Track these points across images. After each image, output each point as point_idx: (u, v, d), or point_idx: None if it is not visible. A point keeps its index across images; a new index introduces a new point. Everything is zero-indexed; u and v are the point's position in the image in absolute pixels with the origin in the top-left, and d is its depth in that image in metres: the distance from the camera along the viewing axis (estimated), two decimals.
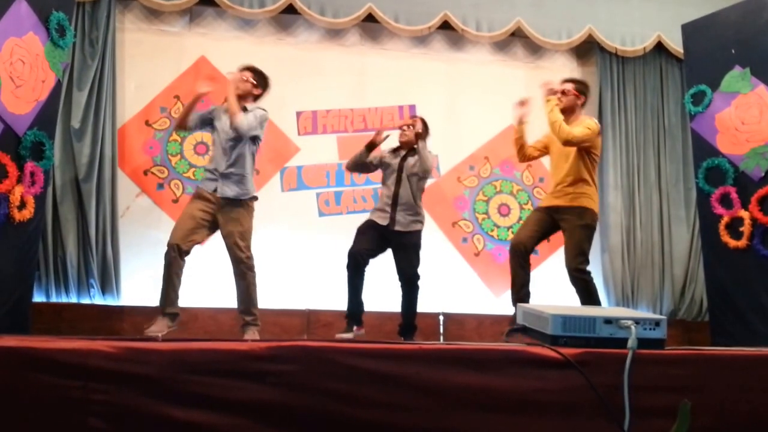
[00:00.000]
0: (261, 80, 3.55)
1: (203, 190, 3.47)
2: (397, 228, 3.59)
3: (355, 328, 3.62)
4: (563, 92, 3.44)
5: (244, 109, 3.45)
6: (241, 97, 3.47)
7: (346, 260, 3.59)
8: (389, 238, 3.60)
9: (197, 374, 1.47)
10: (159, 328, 3.31)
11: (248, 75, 3.52)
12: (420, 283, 3.64)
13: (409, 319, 3.63)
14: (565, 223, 3.43)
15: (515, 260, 3.45)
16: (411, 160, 3.68)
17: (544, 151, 3.65)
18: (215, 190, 3.42)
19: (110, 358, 1.44)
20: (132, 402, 1.43)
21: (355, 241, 3.59)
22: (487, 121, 5.22)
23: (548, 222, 3.49)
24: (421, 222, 3.70)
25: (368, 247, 3.55)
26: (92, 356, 1.43)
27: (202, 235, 3.44)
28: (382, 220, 3.62)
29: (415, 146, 3.66)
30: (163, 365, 1.46)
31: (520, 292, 3.42)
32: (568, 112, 3.42)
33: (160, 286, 3.37)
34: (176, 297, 3.35)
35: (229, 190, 3.40)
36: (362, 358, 1.56)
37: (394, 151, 3.78)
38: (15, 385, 1.39)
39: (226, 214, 3.41)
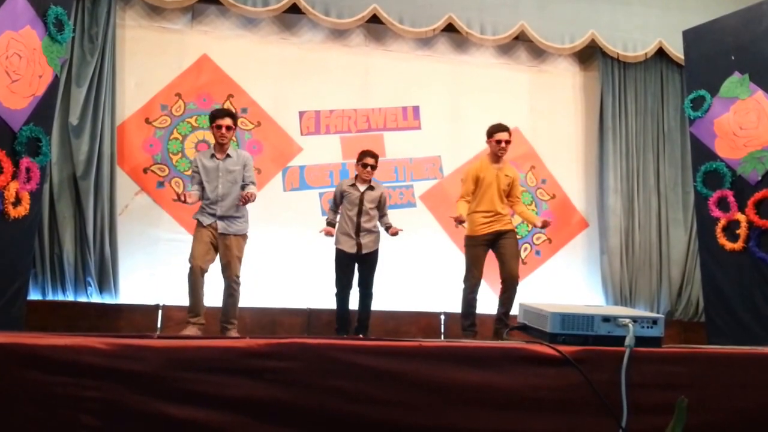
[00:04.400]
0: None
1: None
2: (364, 251, 4.20)
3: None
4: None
5: (228, 156, 3.91)
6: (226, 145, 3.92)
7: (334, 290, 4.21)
8: (357, 259, 4.22)
9: (193, 371, 1.45)
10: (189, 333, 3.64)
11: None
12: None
13: (366, 320, 4.24)
14: (507, 242, 4.08)
15: (475, 293, 4.13)
16: (369, 195, 4.24)
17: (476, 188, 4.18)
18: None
19: (103, 355, 1.41)
20: (125, 399, 1.40)
21: (339, 276, 4.22)
22: (490, 123, 5.21)
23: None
24: (378, 238, 4.31)
25: (350, 280, 4.23)
26: (84, 353, 1.40)
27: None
28: (351, 248, 4.20)
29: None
30: (157, 362, 1.43)
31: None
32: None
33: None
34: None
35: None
36: (361, 355, 1.54)
37: (353, 185, 4.26)
38: (6, 382, 1.37)
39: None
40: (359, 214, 4.20)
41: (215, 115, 3.93)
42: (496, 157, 4.19)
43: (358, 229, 4.19)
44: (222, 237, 3.82)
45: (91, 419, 1.39)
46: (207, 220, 3.83)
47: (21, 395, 1.37)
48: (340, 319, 4.24)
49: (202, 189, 3.87)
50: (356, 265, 4.23)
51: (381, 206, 4.31)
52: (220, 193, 3.83)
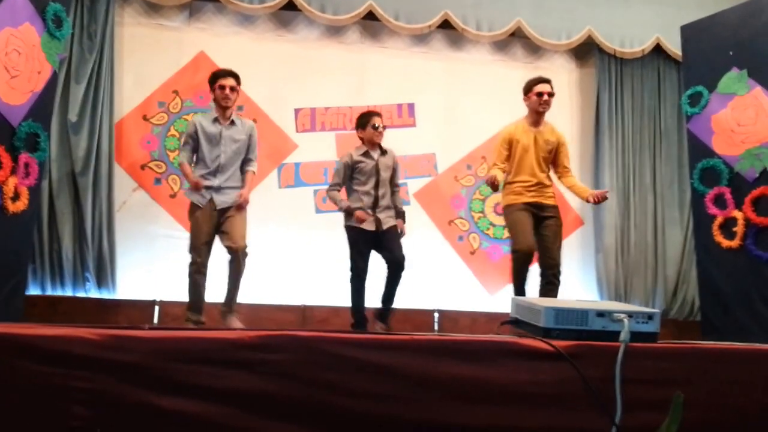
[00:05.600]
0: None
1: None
2: (384, 227, 3.72)
3: None
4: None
5: (232, 122, 3.69)
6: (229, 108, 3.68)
7: (349, 274, 3.74)
8: (376, 238, 3.71)
9: (183, 362, 1.45)
10: None
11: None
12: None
13: (391, 303, 3.76)
14: (550, 222, 3.56)
15: (528, 265, 3.51)
16: (383, 161, 3.77)
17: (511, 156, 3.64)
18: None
19: (94, 346, 1.42)
20: (116, 390, 1.40)
21: (356, 259, 3.70)
22: (485, 121, 5.22)
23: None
24: (397, 212, 3.83)
25: (367, 261, 3.72)
26: (76, 343, 1.41)
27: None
28: (369, 226, 3.69)
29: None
30: (148, 353, 1.43)
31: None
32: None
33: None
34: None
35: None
36: (352, 348, 1.54)
37: (365, 153, 3.78)
38: None
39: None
40: (377, 185, 3.66)
41: (217, 75, 3.61)
42: (537, 115, 3.60)
43: (376, 203, 3.66)
44: (222, 211, 3.56)
45: (82, 409, 1.39)
46: (202, 200, 3.54)
47: (11, 385, 1.37)
48: (357, 313, 3.74)
49: (197, 157, 3.57)
50: (372, 248, 3.70)
51: (394, 175, 3.79)
52: (222, 162, 3.56)
